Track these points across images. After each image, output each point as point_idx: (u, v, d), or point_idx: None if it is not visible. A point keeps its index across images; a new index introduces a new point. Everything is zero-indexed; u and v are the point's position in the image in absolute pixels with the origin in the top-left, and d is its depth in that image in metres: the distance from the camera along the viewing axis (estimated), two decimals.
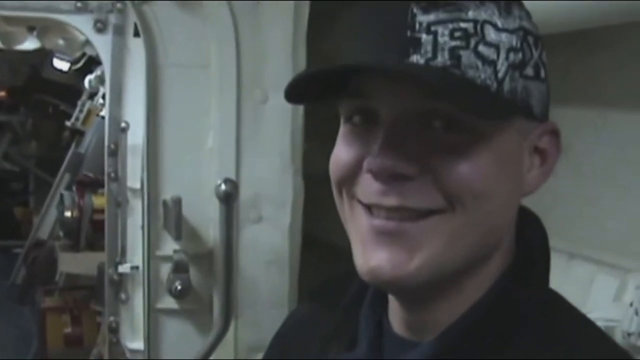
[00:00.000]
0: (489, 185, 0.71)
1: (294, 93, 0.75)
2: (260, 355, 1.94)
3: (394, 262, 0.72)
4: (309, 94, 0.76)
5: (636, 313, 1.29)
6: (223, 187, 1.70)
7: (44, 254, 5.02)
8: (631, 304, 1.31)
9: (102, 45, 2.04)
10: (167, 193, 1.92)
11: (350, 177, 0.75)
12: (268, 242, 1.97)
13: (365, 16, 0.76)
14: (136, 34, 1.97)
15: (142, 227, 1.94)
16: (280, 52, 1.94)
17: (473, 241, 0.73)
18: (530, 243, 0.79)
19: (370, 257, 0.73)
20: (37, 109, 7.13)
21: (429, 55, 0.70)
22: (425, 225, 0.72)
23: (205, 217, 1.93)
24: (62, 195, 4.17)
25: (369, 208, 0.74)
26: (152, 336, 1.94)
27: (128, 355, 2.13)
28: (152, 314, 1.94)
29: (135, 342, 2.07)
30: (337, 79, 0.74)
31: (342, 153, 0.76)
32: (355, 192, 0.75)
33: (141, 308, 2.02)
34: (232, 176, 1.88)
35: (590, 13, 1.24)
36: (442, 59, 0.70)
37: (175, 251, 1.89)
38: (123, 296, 2.10)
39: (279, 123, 1.96)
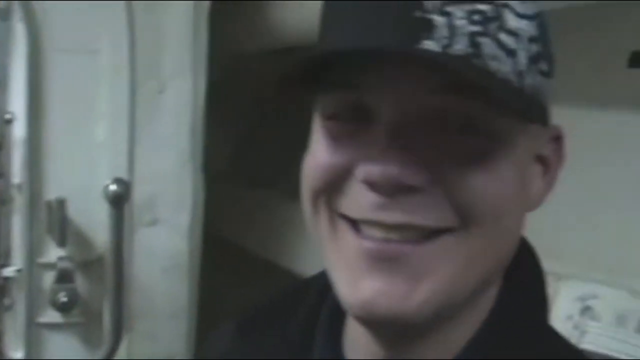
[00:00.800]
0: (508, 199, 0.60)
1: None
2: None
3: (393, 294, 0.58)
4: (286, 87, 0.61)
5: (575, 327, 1.19)
6: (113, 187, 1.52)
7: None
8: (570, 317, 1.21)
9: None
10: (52, 193, 1.72)
11: (334, 186, 0.61)
12: (165, 247, 1.80)
13: None
14: None
15: (23, 230, 1.73)
16: (179, 38, 1.77)
17: (488, 265, 0.61)
18: (522, 265, 0.68)
19: (362, 287, 0.59)
20: None
21: (446, 41, 0.56)
22: (433, 248, 0.58)
23: (95, 219, 1.74)
24: None
25: (355, 224, 0.60)
26: (33, 353, 1.75)
27: None
28: (34, 328, 1.74)
29: (19, 352, 1.86)
30: (318, 67, 0.59)
31: (324, 156, 0.62)
32: (340, 205, 0.61)
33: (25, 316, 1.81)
34: (125, 174, 1.71)
35: None
36: (461, 46, 0.56)
37: (60, 258, 1.69)
38: (7, 302, 1.90)
39: (177, 115, 1.79)
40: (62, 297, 1.65)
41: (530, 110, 0.59)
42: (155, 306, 1.81)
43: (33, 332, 1.75)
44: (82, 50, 1.74)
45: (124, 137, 1.74)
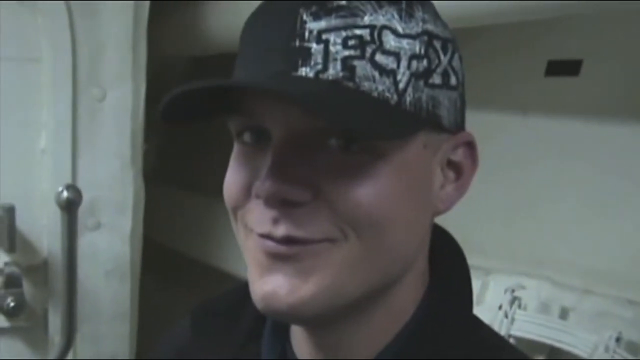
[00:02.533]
0: (390, 211, 0.64)
1: (169, 112, 0.65)
2: None
3: (289, 287, 0.65)
4: (190, 112, 0.67)
5: (506, 316, 1.31)
6: (65, 193, 1.56)
7: None
8: (500, 307, 1.32)
9: None
10: None
11: (242, 204, 0.68)
12: (108, 250, 1.84)
13: (253, 25, 0.68)
14: None
15: None
16: (119, 47, 1.81)
17: (372, 270, 0.66)
18: (446, 266, 0.74)
19: (263, 283, 0.66)
20: None
21: (319, 67, 0.63)
22: (315, 250, 0.64)
23: (38, 224, 1.77)
24: None
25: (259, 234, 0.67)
26: None
27: None
28: None
29: None
30: (222, 94, 0.65)
31: (232, 177, 0.69)
32: (248, 221, 0.67)
33: None
34: (68, 180, 1.74)
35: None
36: (334, 70, 0.62)
37: (6, 264, 1.71)
38: None
39: (118, 122, 1.83)
40: (11, 302, 1.68)
41: (399, 125, 0.63)
42: (98, 309, 1.85)
43: None
44: (24, 59, 1.76)
45: (67, 144, 1.76)
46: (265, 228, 0.65)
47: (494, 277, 1.43)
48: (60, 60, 1.76)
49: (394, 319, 0.71)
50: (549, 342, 1.31)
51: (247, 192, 0.67)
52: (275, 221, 0.64)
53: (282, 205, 0.63)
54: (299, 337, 0.75)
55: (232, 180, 0.68)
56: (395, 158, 0.64)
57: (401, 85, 0.64)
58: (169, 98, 0.63)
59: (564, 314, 1.35)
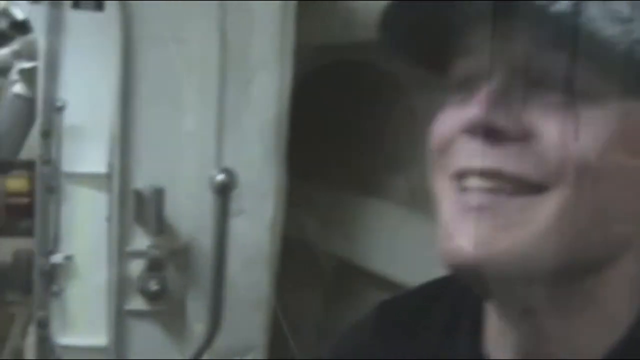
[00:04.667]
0: (606, 162, 0.58)
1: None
2: (237, 356, 1.80)
3: (478, 240, 0.58)
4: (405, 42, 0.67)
5: None
6: (220, 177, 1.52)
7: None
8: None
9: (36, 17, 1.81)
10: (139, 181, 1.72)
11: (447, 147, 0.63)
12: (249, 237, 1.79)
13: None
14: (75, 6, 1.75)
15: (109, 219, 1.73)
16: (268, 29, 1.76)
17: (581, 231, 0.58)
18: None
19: (454, 235, 0.60)
20: None
21: None
22: (521, 202, 0.58)
23: (180, 208, 1.74)
24: None
25: (460, 181, 0.62)
26: (118, 340, 1.75)
27: (57, 352, 1.91)
28: (118, 316, 1.74)
29: (67, 338, 1.86)
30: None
31: (442, 119, 0.65)
32: (448, 165, 0.63)
33: (74, 301, 1.84)
34: (212, 164, 1.71)
35: None
36: (565, 6, 0.56)
37: (149, 247, 1.69)
38: (55, 288, 1.88)
39: (263, 107, 1.78)
40: (154, 286, 1.66)
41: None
42: (235, 297, 1.80)
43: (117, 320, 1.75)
44: (171, 39, 1.73)
45: (212, 127, 1.73)
46: (467, 161, 0.61)
47: None
48: (208, 41, 1.72)
49: (604, 324, 0.62)
50: None
51: (455, 134, 0.62)
52: (481, 153, 0.59)
53: (490, 135, 0.58)
54: (494, 337, 0.68)
55: (442, 121, 0.65)
56: (617, 109, 0.58)
57: (636, 37, 0.57)
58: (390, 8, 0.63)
59: None
